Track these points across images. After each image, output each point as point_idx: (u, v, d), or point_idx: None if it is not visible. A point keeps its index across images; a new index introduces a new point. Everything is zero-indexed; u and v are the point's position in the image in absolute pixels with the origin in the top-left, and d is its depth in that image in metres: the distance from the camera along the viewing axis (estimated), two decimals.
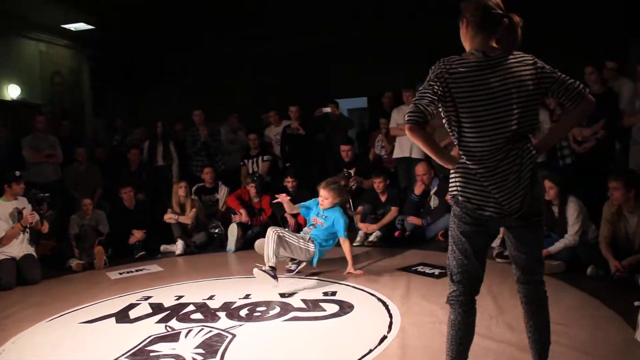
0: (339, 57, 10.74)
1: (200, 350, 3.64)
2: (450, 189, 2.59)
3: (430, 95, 2.46)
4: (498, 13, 2.49)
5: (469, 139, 2.47)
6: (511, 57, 2.50)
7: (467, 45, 2.58)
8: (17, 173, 6.34)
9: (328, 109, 8.51)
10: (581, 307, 3.99)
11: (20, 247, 6.15)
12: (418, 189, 7.00)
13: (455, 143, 2.55)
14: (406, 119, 2.48)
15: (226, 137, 9.05)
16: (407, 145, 7.73)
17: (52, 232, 6.95)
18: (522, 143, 2.49)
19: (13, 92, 10.13)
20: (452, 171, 2.59)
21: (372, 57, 10.44)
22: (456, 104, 2.46)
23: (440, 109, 2.51)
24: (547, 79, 2.49)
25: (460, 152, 2.53)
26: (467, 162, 2.50)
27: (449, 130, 2.56)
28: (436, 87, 2.46)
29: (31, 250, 6.29)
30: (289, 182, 7.76)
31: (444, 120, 2.56)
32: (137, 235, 7.30)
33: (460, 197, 2.52)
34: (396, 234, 7.00)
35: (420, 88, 2.52)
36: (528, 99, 2.47)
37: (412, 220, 6.97)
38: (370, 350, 3.45)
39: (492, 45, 2.51)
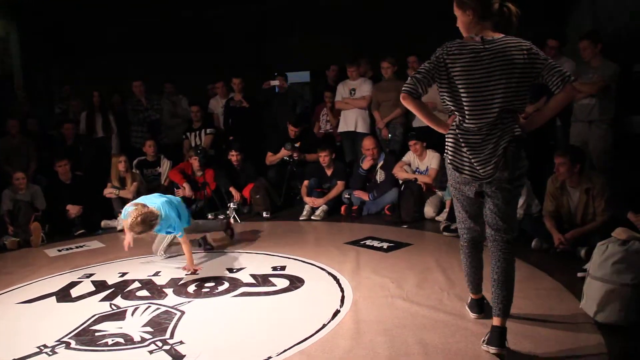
0: (282, 28, 10.57)
1: (149, 329, 3.53)
2: (445, 152, 3.01)
3: (425, 72, 2.86)
4: (499, 4, 2.85)
5: (461, 112, 2.85)
6: (507, 41, 2.81)
7: (466, 30, 2.92)
8: None
9: (277, 82, 8.38)
10: (527, 279, 4.07)
11: None
12: (366, 164, 7.00)
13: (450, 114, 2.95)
14: (402, 89, 2.88)
15: (168, 109, 8.78)
16: (352, 120, 7.69)
17: None
18: (507, 119, 2.82)
19: None
20: (446, 136, 2.99)
21: (315, 29, 10.30)
22: (451, 82, 2.84)
23: (437, 87, 2.91)
24: (539, 64, 2.77)
25: (453, 124, 2.93)
26: (457, 131, 2.90)
27: (443, 104, 2.97)
28: (433, 65, 2.85)
29: None
30: (233, 156, 7.63)
31: (440, 96, 2.95)
32: (73, 211, 7.00)
33: (448, 160, 2.98)
34: (343, 208, 6.99)
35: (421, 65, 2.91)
36: (518, 80, 2.77)
37: (359, 194, 6.97)
38: (324, 325, 3.43)
39: (490, 31, 2.86)
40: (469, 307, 3.50)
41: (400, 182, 6.72)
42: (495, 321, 2.96)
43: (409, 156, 6.87)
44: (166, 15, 10.42)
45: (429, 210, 6.41)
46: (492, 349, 2.89)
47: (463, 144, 2.87)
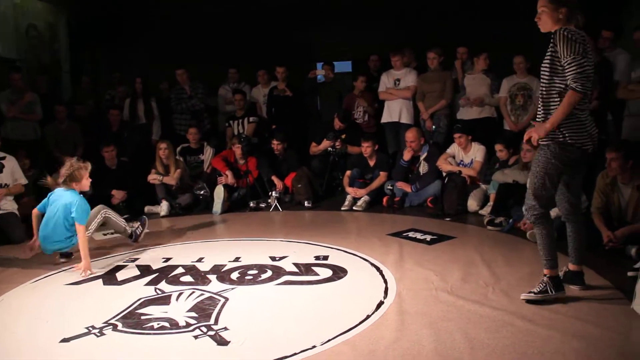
0: (325, 17, 10.51)
1: (194, 314, 3.56)
2: (555, 136, 3.36)
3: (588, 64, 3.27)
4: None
5: (587, 94, 3.31)
6: None
7: (552, 25, 3.39)
8: None
9: (322, 71, 8.35)
10: None
11: (1, 206, 5.99)
12: (407, 155, 6.94)
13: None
14: (580, 88, 3.23)
15: (225, 96, 8.82)
16: (396, 110, 7.63)
17: (34, 191, 6.77)
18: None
19: None
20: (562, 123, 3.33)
21: (357, 18, 10.21)
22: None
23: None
24: None
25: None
26: (577, 112, 3.33)
27: (557, 89, 3.40)
28: (583, 50, 3.26)
29: (14, 209, 6.12)
30: (275, 145, 7.65)
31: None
32: (118, 195, 7.13)
33: (569, 141, 3.34)
34: (385, 199, 6.95)
35: (575, 56, 3.24)
36: None
37: (401, 185, 6.91)
38: (368, 316, 3.40)
39: None
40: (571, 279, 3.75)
41: (444, 174, 6.64)
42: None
43: (454, 148, 6.78)
44: (212, 3, 10.46)
45: (472, 204, 6.32)
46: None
47: (586, 122, 3.37)
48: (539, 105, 3.51)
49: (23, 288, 4.33)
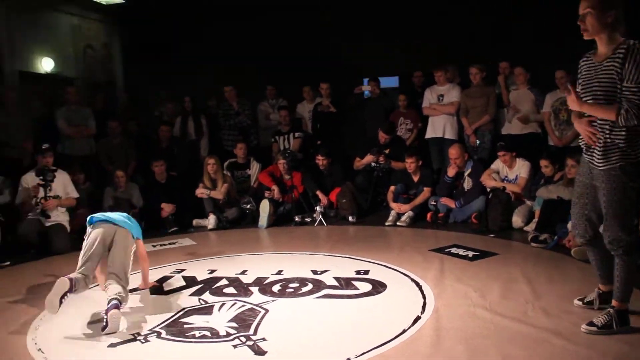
0: (370, 33, 10.60)
1: (234, 324, 3.66)
2: (626, 159, 3.07)
3: None
4: None
5: None
6: None
7: (598, 30, 3.10)
8: (44, 146, 6.45)
9: (368, 87, 8.44)
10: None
11: (52, 217, 6.30)
12: (451, 171, 6.93)
13: None
14: (634, 120, 2.96)
15: (265, 112, 9.01)
16: (440, 126, 7.65)
17: (87, 203, 7.08)
18: None
19: (47, 65, 10.22)
20: (623, 143, 3.06)
21: (403, 33, 10.26)
22: None
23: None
24: None
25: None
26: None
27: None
28: None
29: (64, 221, 6.41)
30: (320, 160, 7.75)
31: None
32: (167, 209, 7.36)
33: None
34: (429, 214, 6.95)
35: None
36: None
37: (445, 201, 6.90)
38: (404, 331, 3.43)
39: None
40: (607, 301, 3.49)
41: (488, 190, 6.60)
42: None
43: (498, 164, 6.74)
44: (256, 20, 10.69)
45: (517, 220, 6.26)
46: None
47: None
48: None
49: (72, 295, 4.51)
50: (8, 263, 5.82)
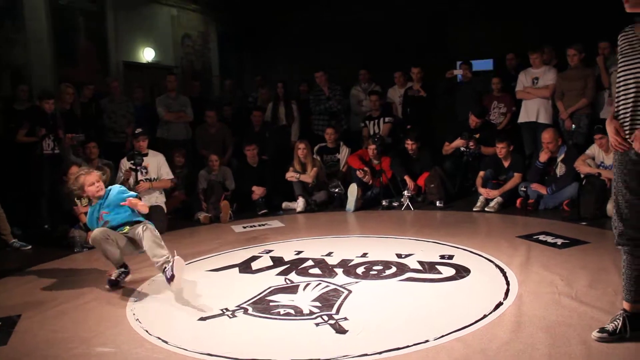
0: (464, 15, 10.40)
1: (317, 304, 3.80)
2: None
3: None
4: None
5: None
6: None
7: None
8: (137, 130, 6.84)
9: (460, 71, 8.32)
10: None
11: (149, 199, 6.65)
12: (543, 157, 6.73)
13: None
14: None
15: (357, 97, 9.10)
16: (534, 110, 7.43)
17: (183, 186, 7.47)
18: None
19: (148, 55, 10.78)
20: None
21: (498, 15, 9.99)
22: None
23: None
24: None
25: None
26: None
27: None
28: None
29: (160, 202, 6.78)
30: (409, 145, 7.74)
31: None
32: (258, 191, 7.62)
33: None
34: (518, 201, 6.81)
35: None
36: None
37: (537, 187, 6.72)
38: (485, 316, 3.43)
39: None
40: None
41: (582, 176, 6.37)
42: None
43: (593, 149, 6.48)
44: (346, 4, 10.74)
45: (611, 208, 6.00)
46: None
47: None
48: None
49: None
50: None
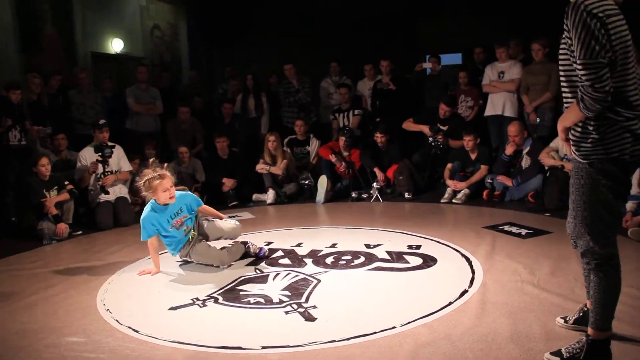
0: (432, 9, 10.51)
1: (287, 292, 3.85)
2: (596, 154, 2.48)
3: (603, 63, 2.35)
4: None
5: (629, 88, 2.45)
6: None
7: None
8: (101, 121, 6.75)
9: (429, 64, 8.41)
10: None
11: (114, 191, 6.67)
12: (509, 149, 6.87)
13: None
14: (594, 105, 2.38)
15: (327, 89, 9.15)
16: (500, 103, 7.57)
17: None
18: None
19: (117, 45, 10.66)
20: (586, 135, 2.49)
21: (466, 9, 10.13)
22: (615, 52, 2.40)
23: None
24: None
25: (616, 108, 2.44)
26: (622, 115, 2.44)
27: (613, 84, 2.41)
28: (603, 42, 2.35)
29: (124, 193, 6.77)
30: (378, 137, 7.81)
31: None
32: (228, 183, 7.64)
33: (627, 157, 2.46)
34: (485, 192, 6.95)
35: (586, 50, 2.36)
36: None
37: (502, 179, 6.86)
38: (450, 303, 3.53)
39: None
40: None
41: (546, 168, 6.53)
42: None
43: (557, 142, 6.63)
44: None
45: None
46: None
47: (632, 125, 2.45)
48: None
49: (141, 263, 4.86)
50: (80, 232, 6.24)
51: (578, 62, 2.41)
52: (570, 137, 2.60)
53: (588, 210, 2.57)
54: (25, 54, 8.63)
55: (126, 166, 6.89)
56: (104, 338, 3.27)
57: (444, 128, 7.66)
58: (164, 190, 4.42)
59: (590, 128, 2.49)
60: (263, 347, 3.04)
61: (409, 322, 3.25)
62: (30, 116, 6.99)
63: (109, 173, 6.64)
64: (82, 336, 3.32)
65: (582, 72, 2.39)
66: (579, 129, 2.54)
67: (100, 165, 6.56)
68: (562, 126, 2.63)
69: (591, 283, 2.67)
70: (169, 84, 9.63)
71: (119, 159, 6.79)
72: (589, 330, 2.69)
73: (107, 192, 6.57)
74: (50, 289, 4.26)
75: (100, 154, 6.53)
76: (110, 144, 6.68)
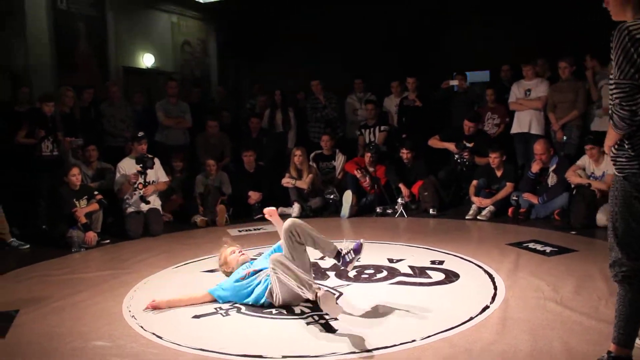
0: (461, 26, 10.53)
1: (309, 304, 3.88)
2: (631, 168, 2.57)
3: (635, 85, 2.43)
4: None
5: None
6: None
7: (624, 14, 2.57)
8: (140, 134, 6.93)
9: (455, 82, 8.44)
10: None
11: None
12: (535, 167, 6.84)
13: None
14: (620, 123, 2.48)
15: (352, 105, 9.22)
16: (526, 121, 7.56)
17: (180, 190, 7.57)
18: None
19: (148, 60, 10.91)
20: (623, 151, 2.58)
21: (495, 26, 10.12)
22: None
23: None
24: None
25: None
26: None
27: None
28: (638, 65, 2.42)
29: (157, 205, 6.88)
30: (404, 154, 7.84)
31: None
32: (254, 196, 7.74)
33: None
34: (510, 210, 6.91)
35: (621, 71, 2.44)
36: None
37: (528, 197, 6.83)
38: (471, 318, 3.53)
39: None
40: None
41: (573, 186, 6.49)
42: None
43: (584, 160, 6.60)
44: (344, 14, 10.85)
45: (601, 218, 6.10)
46: None
47: None
48: None
49: (167, 271, 4.97)
50: (108, 241, 6.37)
51: (611, 81, 2.52)
52: (611, 152, 2.71)
53: (619, 221, 2.64)
54: (60, 69, 8.87)
55: (163, 177, 7.05)
56: (128, 343, 3.35)
57: (470, 145, 7.65)
58: (231, 252, 4.29)
59: (626, 146, 2.59)
60: (284, 357, 3.09)
61: (429, 336, 3.27)
62: (63, 128, 7.17)
63: (147, 184, 6.77)
64: (108, 340, 3.41)
65: (614, 91, 2.50)
66: (617, 146, 2.64)
67: (140, 176, 6.71)
68: (607, 145, 2.72)
69: (617, 296, 2.70)
70: (199, 98, 9.78)
71: (156, 170, 6.94)
72: (611, 347, 2.70)
73: (147, 202, 6.71)
74: (78, 295, 4.37)
75: (141, 165, 6.69)
76: (149, 155, 6.83)
